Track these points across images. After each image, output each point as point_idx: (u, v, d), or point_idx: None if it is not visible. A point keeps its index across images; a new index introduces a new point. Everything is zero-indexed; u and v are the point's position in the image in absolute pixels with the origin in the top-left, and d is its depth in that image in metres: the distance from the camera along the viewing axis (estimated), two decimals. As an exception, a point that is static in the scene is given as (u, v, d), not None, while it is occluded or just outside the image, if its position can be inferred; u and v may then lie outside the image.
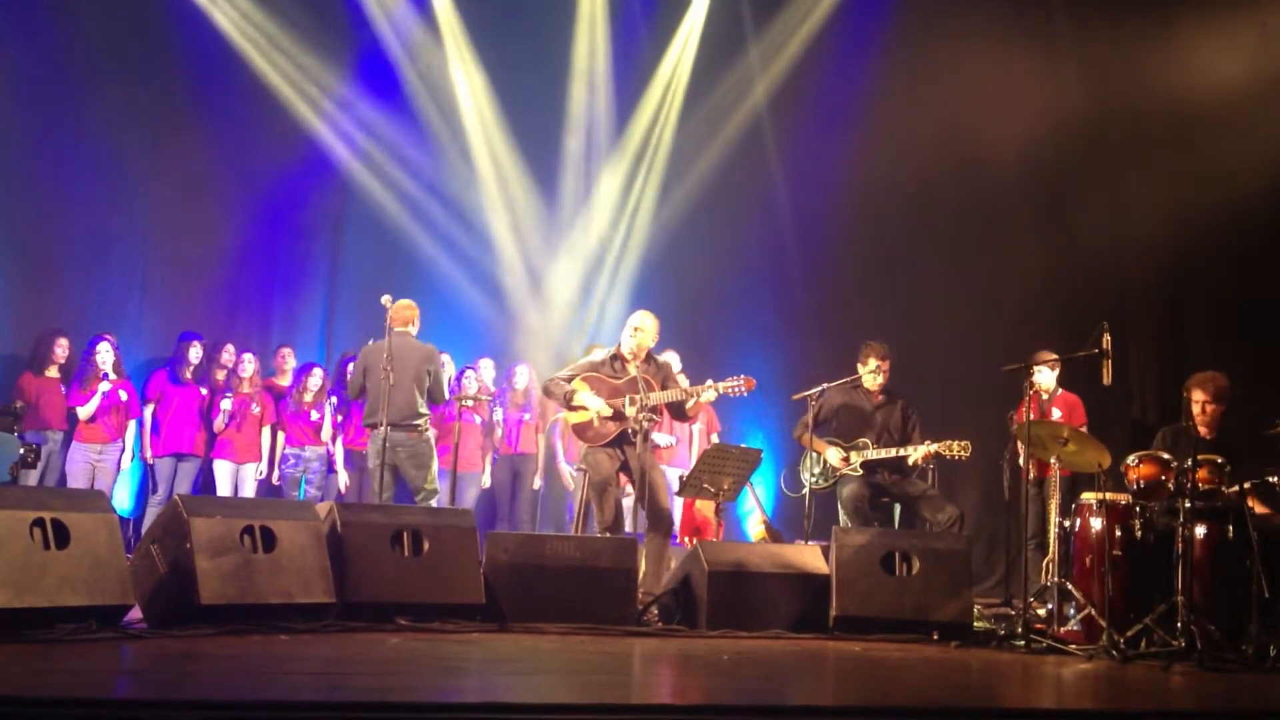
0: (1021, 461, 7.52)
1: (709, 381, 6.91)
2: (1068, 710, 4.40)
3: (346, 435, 8.94)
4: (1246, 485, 5.78)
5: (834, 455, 7.20)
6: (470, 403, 8.71)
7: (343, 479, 8.88)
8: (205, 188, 9.65)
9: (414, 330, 7.85)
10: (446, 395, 8.07)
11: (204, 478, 8.71)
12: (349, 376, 8.46)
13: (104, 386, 8.21)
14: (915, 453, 7.05)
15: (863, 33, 10.33)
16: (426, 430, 7.76)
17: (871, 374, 7.30)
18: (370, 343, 7.89)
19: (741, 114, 10.68)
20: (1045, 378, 7.81)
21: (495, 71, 10.49)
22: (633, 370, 6.88)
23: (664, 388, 6.91)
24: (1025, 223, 10.16)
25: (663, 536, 6.70)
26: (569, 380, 6.91)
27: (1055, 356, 7.48)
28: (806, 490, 7.30)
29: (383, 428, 7.29)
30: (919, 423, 7.34)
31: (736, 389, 6.85)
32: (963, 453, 6.95)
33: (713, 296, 10.53)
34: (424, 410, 7.70)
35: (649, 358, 7.02)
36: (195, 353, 8.66)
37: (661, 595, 6.16)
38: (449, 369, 8.73)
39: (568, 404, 6.89)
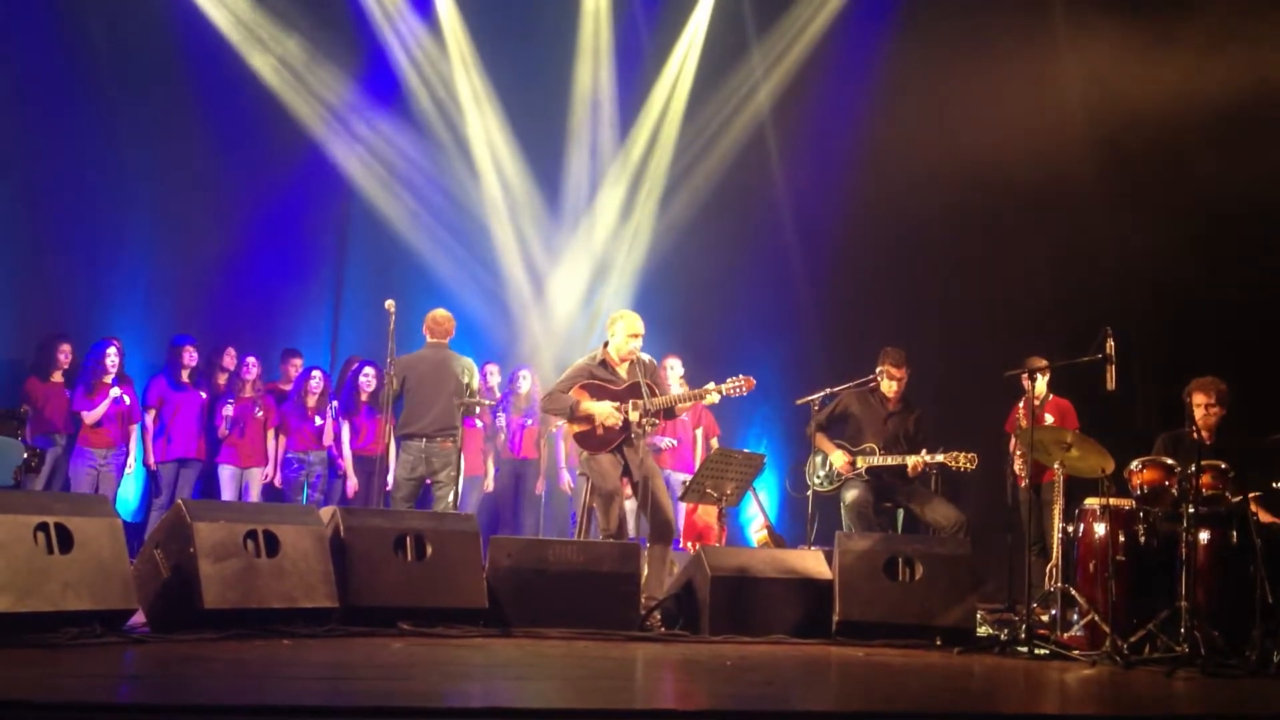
0: (1017, 468, 7.52)
1: (710, 384, 6.88)
2: (1071, 716, 4.40)
3: (356, 440, 8.94)
4: (1253, 495, 5.77)
5: (839, 457, 7.17)
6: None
7: (353, 483, 8.89)
8: (209, 193, 9.69)
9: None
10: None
11: (206, 482, 8.71)
12: (361, 382, 8.63)
13: (115, 392, 8.22)
14: (909, 461, 6.95)
15: (865, 39, 10.36)
16: (458, 440, 7.96)
17: (886, 381, 7.24)
18: (406, 353, 8.00)
19: (744, 119, 10.71)
20: (1036, 384, 7.79)
21: (499, 78, 10.52)
22: (623, 372, 6.83)
23: (656, 385, 6.87)
24: (1027, 229, 10.15)
25: (665, 543, 6.67)
26: (566, 391, 6.78)
27: (1045, 363, 7.40)
28: (811, 492, 7.29)
29: (418, 440, 7.70)
30: (930, 435, 7.27)
31: (738, 389, 6.81)
32: (969, 465, 6.83)
33: (716, 302, 10.54)
34: (458, 423, 7.93)
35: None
36: (189, 356, 8.67)
37: (664, 600, 6.16)
38: None
39: (573, 416, 6.75)
